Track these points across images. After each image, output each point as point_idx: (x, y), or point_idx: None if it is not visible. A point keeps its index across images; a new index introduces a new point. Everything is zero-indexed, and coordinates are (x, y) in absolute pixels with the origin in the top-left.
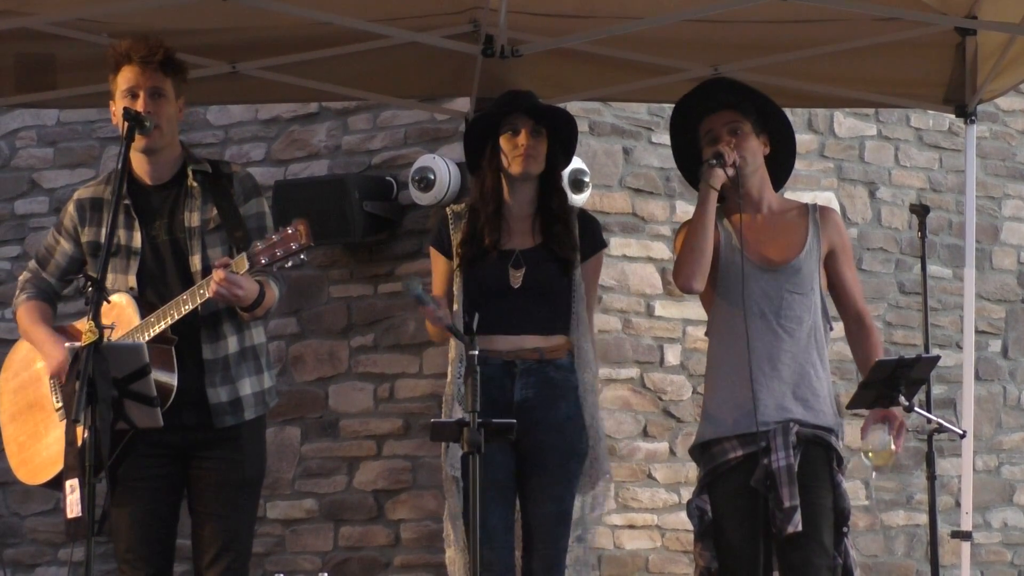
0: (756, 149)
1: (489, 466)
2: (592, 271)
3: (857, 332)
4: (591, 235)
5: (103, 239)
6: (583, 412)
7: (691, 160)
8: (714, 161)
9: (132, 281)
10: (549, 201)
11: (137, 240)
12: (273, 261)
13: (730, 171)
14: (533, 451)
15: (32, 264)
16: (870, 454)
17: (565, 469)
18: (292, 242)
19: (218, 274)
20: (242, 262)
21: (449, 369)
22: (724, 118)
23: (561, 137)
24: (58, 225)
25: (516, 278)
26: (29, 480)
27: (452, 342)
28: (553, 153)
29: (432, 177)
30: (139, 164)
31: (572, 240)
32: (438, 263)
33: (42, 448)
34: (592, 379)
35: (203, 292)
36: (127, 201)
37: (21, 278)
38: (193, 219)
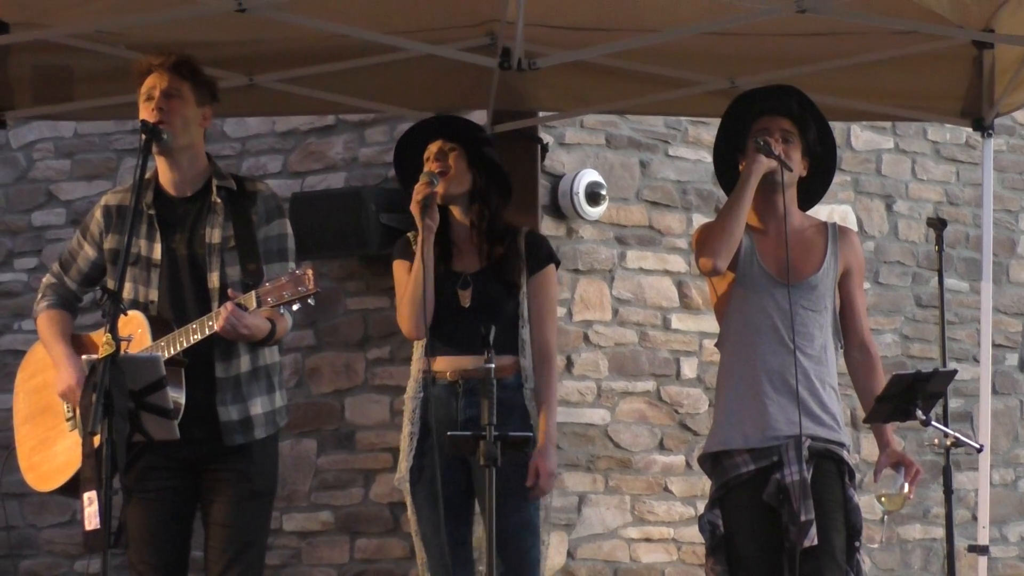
0: (797, 164)
1: (441, 484)
2: (541, 286)
3: (861, 359)
4: (537, 252)
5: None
6: (532, 426)
7: (729, 162)
8: (762, 143)
9: (153, 294)
10: (480, 223)
11: (157, 252)
12: (279, 303)
13: (773, 163)
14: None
15: (55, 267)
16: (883, 499)
17: (520, 482)
18: (299, 286)
19: (227, 309)
20: (251, 299)
21: (409, 385)
22: (781, 124)
23: (477, 150)
24: (83, 229)
25: (464, 297)
26: (36, 485)
27: (414, 356)
28: (478, 168)
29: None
30: (165, 175)
31: (516, 261)
32: (403, 269)
33: (51, 456)
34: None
35: (211, 324)
36: (152, 212)
37: (44, 281)
38: (214, 235)
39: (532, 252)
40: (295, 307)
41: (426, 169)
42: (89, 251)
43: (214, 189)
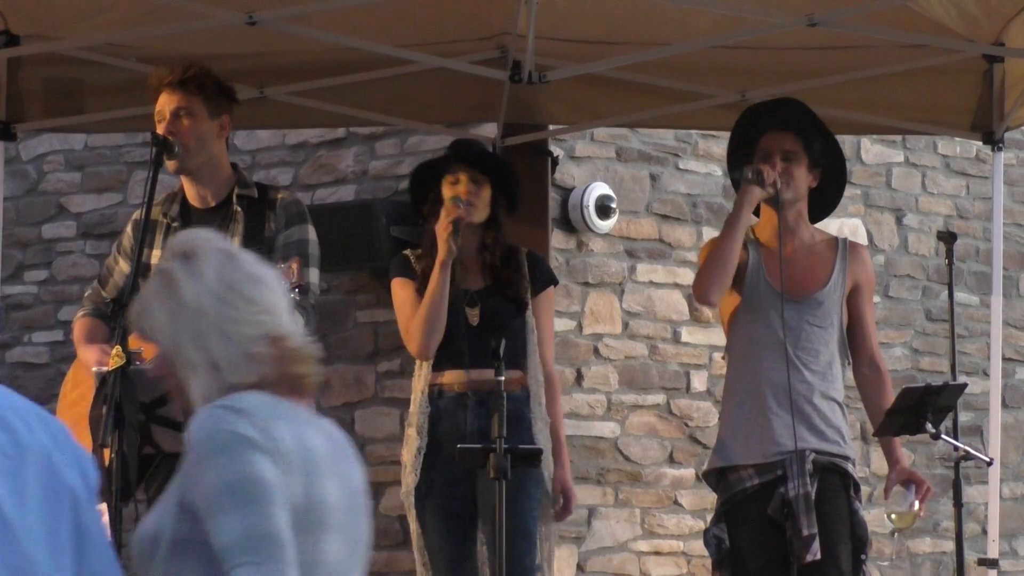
0: (802, 181)
1: (449, 498)
2: (543, 307)
3: (870, 376)
4: (539, 273)
5: (153, 260)
6: (535, 440)
7: (741, 168)
8: (751, 176)
9: None
10: (493, 246)
11: None
12: None
13: (769, 190)
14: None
15: (95, 283)
16: (893, 516)
17: (524, 488)
18: (283, 279)
19: None
20: None
21: (413, 400)
22: (785, 142)
23: (503, 185)
24: (118, 244)
25: (473, 316)
26: None
27: (418, 373)
28: (496, 199)
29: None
30: (189, 188)
31: (522, 280)
32: (408, 288)
33: None
34: (541, 412)
35: None
36: (176, 224)
37: (85, 295)
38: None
39: (535, 272)
40: None
41: (455, 194)
42: (124, 265)
43: (234, 199)
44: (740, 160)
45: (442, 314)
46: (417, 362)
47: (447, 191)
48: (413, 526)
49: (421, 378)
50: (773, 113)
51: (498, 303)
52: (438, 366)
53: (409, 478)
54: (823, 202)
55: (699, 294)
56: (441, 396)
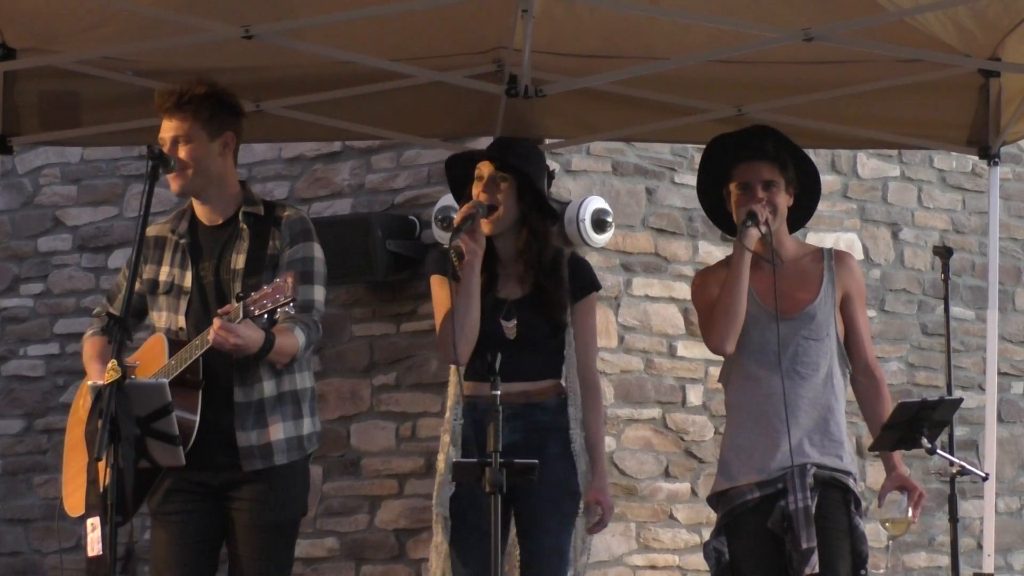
0: (784, 206)
1: (476, 509)
2: (584, 313)
3: (867, 384)
4: (581, 278)
5: (162, 277)
6: (572, 450)
7: (714, 196)
8: (749, 222)
9: (181, 321)
10: (532, 249)
11: (188, 280)
12: (262, 312)
13: (763, 229)
14: (524, 491)
15: (104, 300)
16: (887, 524)
17: (557, 505)
18: (279, 294)
19: (215, 322)
20: (237, 311)
21: (447, 414)
22: (761, 172)
23: (533, 178)
24: (128, 261)
25: (509, 330)
26: (70, 512)
27: (451, 386)
28: (528, 198)
29: (455, 216)
30: (197, 206)
31: (562, 290)
32: (445, 289)
33: (82, 483)
34: (577, 423)
35: (208, 338)
36: (184, 241)
37: (95, 311)
38: (238, 261)
39: (576, 279)
40: (277, 315)
41: (475, 195)
42: None
43: (240, 216)
44: (714, 192)
45: (470, 318)
46: (451, 368)
47: (474, 188)
48: (438, 536)
49: (454, 385)
50: (744, 144)
51: (536, 317)
52: (472, 376)
53: (441, 489)
54: (798, 213)
55: (715, 346)
56: (475, 408)
